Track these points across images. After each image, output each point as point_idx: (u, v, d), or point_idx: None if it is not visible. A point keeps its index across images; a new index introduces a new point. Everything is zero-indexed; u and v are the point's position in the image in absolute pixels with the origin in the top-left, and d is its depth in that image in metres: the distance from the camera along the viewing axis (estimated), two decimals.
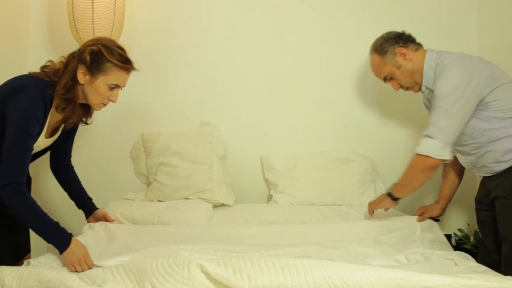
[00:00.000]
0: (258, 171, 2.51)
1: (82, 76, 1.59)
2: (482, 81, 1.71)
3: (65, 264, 1.48)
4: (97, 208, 1.97)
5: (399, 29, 2.49)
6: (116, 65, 1.60)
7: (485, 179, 1.87)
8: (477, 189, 1.97)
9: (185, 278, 1.17)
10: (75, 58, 1.60)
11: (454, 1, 2.54)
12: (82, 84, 1.60)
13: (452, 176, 2.09)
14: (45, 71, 1.63)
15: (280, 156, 2.46)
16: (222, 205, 2.24)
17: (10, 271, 1.23)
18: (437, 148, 1.70)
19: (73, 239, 1.50)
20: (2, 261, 1.52)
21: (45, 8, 2.49)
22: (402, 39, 1.92)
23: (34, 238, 1.83)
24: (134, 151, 2.51)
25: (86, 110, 1.74)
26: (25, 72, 1.65)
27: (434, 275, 1.19)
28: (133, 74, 2.43)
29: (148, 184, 2.42)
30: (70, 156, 1.93)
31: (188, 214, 2.07)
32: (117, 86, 1.65)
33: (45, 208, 1.51)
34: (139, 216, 2.06)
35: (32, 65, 2.44)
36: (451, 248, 1.82)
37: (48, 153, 1.87)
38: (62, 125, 1.73)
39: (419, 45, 1.94)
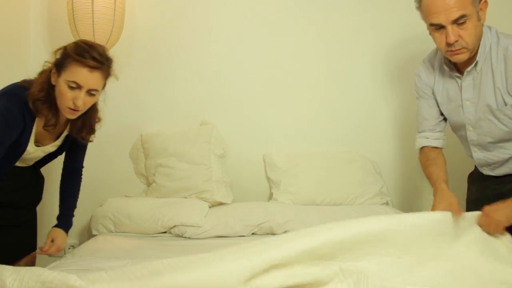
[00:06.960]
0: (259, 170, 2.51)
1: (53, 77, 1.49)
2: None
3: None
4: (68, 229, 1.81)
5: (398, 29, 2.53)
6: (74, 59, 1.43)
7: (487, 180, 1.70)
8: (465, 190, 1.84)
9: None
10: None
11: None
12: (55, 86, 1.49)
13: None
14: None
15: (282, 155, 2.47)
16: (220, 203, 2.24)
17: (10, 273, 1.23)
18: None
19: None
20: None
21: (45, 8, 2.48)
22: None
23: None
24: (133, 152, 2.50)
25: (86, 124, 1.65)
26: (25, 72, 1.65)
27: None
28: (133, 73, 2.46)
29: (148, 184, 2.42)
30: (80, 166, 1.87)
31: (181, 211, 2.07)
32: (78, 86, 1.45)
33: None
34: (134, 212, 2.09)
35: (32, 65, 2.42)
36: None
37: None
38: (65, 134, 1.68)
39: None
